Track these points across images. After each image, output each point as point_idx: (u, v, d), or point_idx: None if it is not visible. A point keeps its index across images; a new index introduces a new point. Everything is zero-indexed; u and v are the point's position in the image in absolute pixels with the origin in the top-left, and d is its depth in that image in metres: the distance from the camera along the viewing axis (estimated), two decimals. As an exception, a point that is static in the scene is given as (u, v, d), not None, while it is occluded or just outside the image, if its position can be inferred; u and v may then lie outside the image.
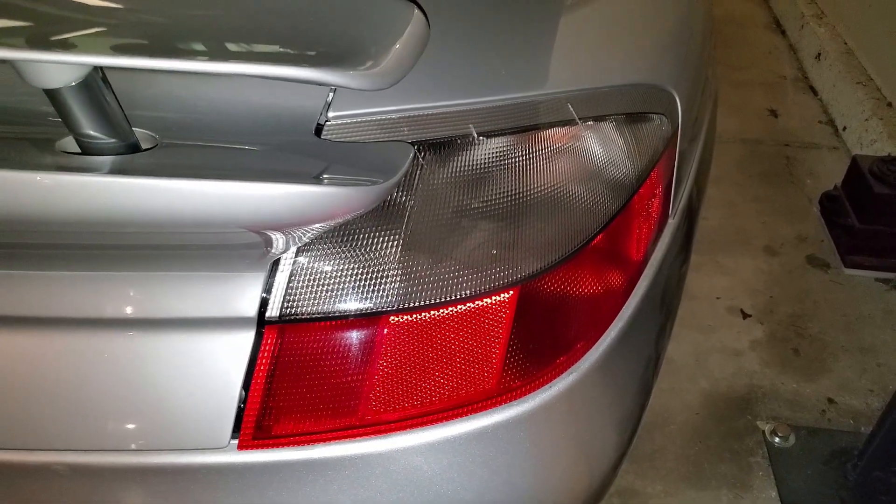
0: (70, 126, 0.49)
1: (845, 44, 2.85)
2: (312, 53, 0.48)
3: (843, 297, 1.90)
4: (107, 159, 0.49)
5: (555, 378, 0.65)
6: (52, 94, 0.46)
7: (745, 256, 2.03)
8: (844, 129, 2.59)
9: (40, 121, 0.55)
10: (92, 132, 0.49)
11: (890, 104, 2.45)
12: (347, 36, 0.50)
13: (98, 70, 0.48)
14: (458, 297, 0.59)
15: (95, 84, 0.47)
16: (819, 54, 2.92)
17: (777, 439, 1.51)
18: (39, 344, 0.57)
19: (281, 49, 0.48)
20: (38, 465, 0.59)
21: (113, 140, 0.50)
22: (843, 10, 2.96)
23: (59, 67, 0.44)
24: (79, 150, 0.50)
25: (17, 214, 0.46)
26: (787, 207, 2.23)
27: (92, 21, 0.47)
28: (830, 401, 1.62)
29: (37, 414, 0.58)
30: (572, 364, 0.66)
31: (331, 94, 0.60)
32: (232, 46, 0.47)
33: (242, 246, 0.56)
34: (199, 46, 0.46)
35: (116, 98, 0.50)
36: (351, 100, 0.60)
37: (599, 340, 0.68)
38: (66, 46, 0.43)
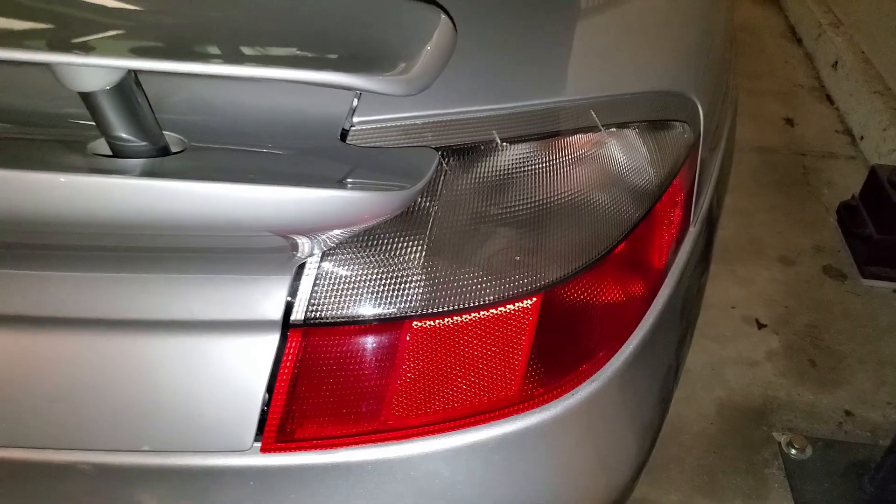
0: (103, 129, 0.49)
1: (862, 53, 2.84)
2: (344, 59, 0.48)
3: (861, 308, 1.88)
4: (138, 162, 0.49)
5: (577, 386, 0.65)
6: (87, 98, 0.47)
7: (760, 266, 2.02)
8: (862, 138, 2.57)
9: (72, 123, 0.55)
10: (124, 135, 0.49)
11: (908, 114, 2.43)
12: (377, 41, 0.51)
13: (131, 73, 0.48)
14: (481, 303, 0.59)
15: (129, 87, 0.48)
16: (836, 63, 2.90)
17: (793, 451, 1.49)
18: (66, 345, 0.57)
19: (312, 54, 0.48)
20: (65, 464, 0.59)
21: (144, 143, 0.51)
22: (860, 19, 2.94)
23: (95, 71, 0.44)
24: (110, 153, 0.51)
25: (51, 216, 0.46)
26: (803, 217, 2.21)
27: (127, 26, 0.48)
28: (848, 413, 1.60)
29: (63, 414, 0.58)
30: (594, 372, 0.66)
31: (355, 100, 0.60)
32: (265, 51, 0.47)
33: (268, 249, 0.56)
34: (233, 51, 0.46)
35: (148, 101, 0.51)
36: (375, 105, 0.60)
37: (621, 349, 0.68)
38: (102, 50, 0.43)
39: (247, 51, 0.46)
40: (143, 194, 0.46)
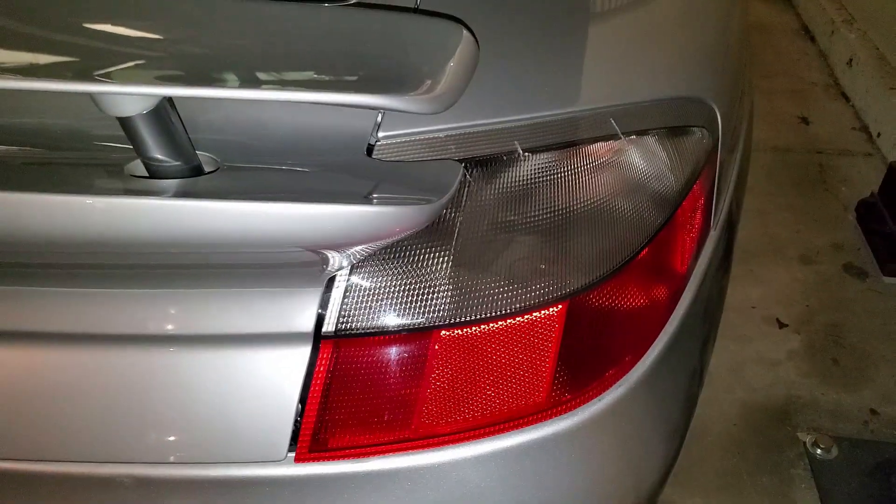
0: (139, 151, 0.51)
1: (877, 49, 2.81)
2: (370, 79, 0.49)
3: (883, 306, 1.86)
4: (173, 183, 0.51)
5: (603, 391, 0.65)
6: (125, 122, 0.49)
7: (779, 266, 2.01)
8: (879, 135, 2.55)
9: (109, 146, 0.57)
10: (160, 156, 0.51)
11: (925, 109, 2.41)
12: (401, 60, 0.52)
13: (167, 98, 0.50)
14: (508, 311, 0.60)
15: (165, 110, 0.50)
16: (850, 60, 2.88)
17: (819, 451, 1.48)
18: (104, 360, 0.59)
19: (339, 76, 0.49)
20: (105, 477, 0.61)
21: (178, 163, 0.52)
22: (874, 16, 2.92)
23: (133, 97, 0.46)
24: (146, 174, 0.53)
25: (94, 236, 0.48)
26: (821, 216, 2.20)
27: (163, 55, 0.49)
28: (873, 412, 1.59)
29: (102, 427, 0.60)
30: (620, 377, 0.66)
31: (380, 116, 0.61)
32: (293, 75, 0.48)
33: (299, 263, 0.58)
34: (264, 76, 0.48)
35: (182, 123, 0.53)
36: (399, 120, 0.61)
37: (647, 353, 0.68)
38: (140, 78, 0.45)
39: (276, 75, 0.48)
40: (181, 215, 0.48)
